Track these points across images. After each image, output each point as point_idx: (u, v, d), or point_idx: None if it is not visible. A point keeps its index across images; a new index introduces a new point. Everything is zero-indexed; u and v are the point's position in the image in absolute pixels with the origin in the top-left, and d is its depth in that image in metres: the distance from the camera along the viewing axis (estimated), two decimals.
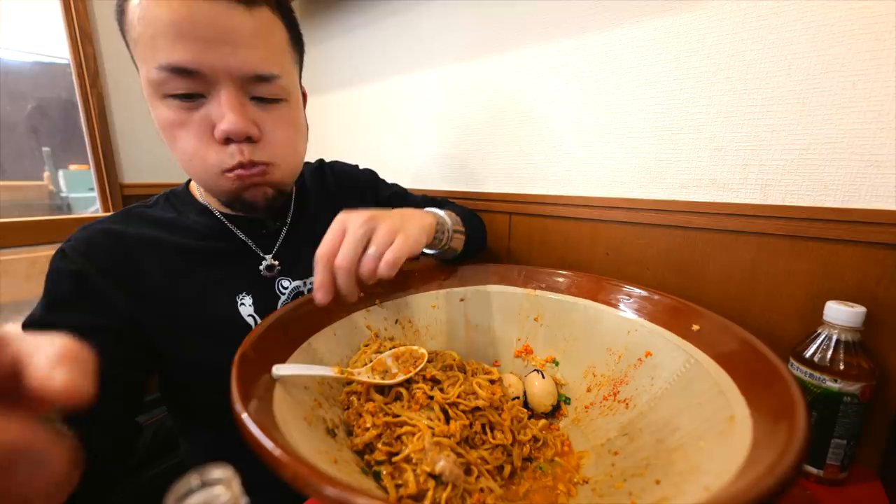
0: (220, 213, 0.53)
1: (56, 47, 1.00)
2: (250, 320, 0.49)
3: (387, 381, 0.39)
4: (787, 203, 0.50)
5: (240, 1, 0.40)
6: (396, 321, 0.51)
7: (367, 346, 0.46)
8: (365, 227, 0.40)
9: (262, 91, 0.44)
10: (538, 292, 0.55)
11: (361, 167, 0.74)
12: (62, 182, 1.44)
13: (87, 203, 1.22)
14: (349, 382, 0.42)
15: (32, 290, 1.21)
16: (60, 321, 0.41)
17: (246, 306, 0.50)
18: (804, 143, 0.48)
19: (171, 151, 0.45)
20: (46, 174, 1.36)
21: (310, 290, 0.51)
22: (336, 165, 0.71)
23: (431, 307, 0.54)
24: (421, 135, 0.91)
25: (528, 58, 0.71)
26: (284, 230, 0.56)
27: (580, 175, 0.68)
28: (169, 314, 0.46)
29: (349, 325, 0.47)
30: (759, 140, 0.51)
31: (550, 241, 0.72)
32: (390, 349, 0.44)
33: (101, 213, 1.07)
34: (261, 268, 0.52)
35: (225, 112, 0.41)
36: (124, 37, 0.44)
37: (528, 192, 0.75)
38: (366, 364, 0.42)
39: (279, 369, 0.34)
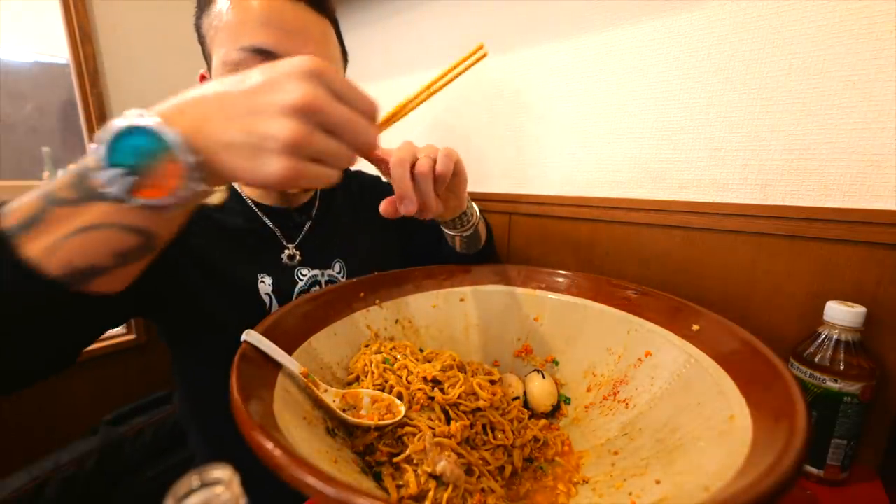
0: (252, 201, 0.56)
1: (56, 47, 1.00)
2: (266, 298, 0.52)
3: (346, 416, 0.36)
4: (787, 203, 0.50)
5: (315, 7, 0.48)
6: (396, 321, 0.51)
7: (367, 346, 0.46)
8: (429, 147, 0.43)
9: None
10: (538, 292, 0.55)
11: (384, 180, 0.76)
12: None
13: None
14: (349, 383, 0.42)
15: None
16: None
17: (265, 285, 0.52)
18: (804, 143, 0.48)
19: None
20: (46, 174, 1.36)
21: (328, 282, 0.56)
22: (362, 175, 0.74)
23: (431, 307, 0.54)
24: (421, 135, 0.91)
25: (529, 58, 0.71)
26: (308, 224, 0.59)
27: (580, 175, 0.68)
28: (203, 271, 0.48)
29: (349, 325, 0.47)
30: (759, 140, 0.51)
31: (550, 241, 0.72)
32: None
33: None
34: (283, 256, 0.55)
35: None
36: (200, 27, 0.49)
37: (528, 193, 0.75)
38: (348, 383, 0.42)
39: (250, 335, 0.34)
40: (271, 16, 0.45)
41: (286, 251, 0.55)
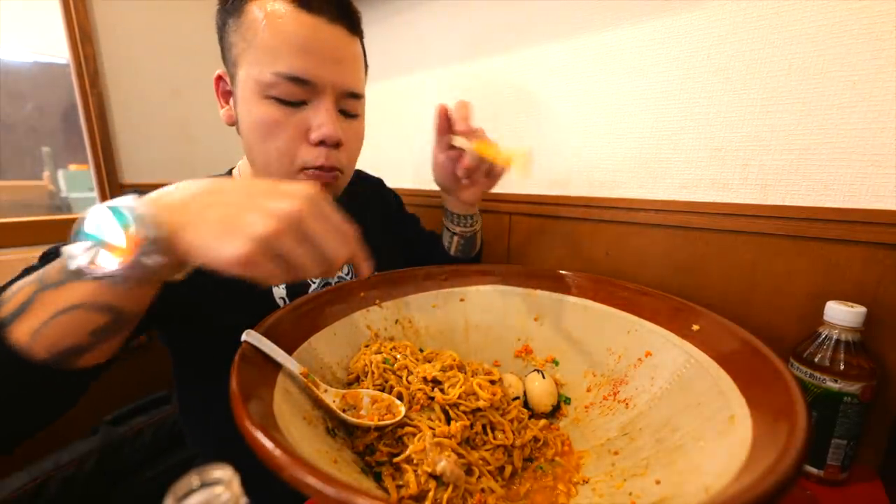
0: None
1: (56, 47, 1.00)
2: (280, 301, 0.52)
3: (346, 416, 0.36)
4: (787, 203, 0.50)
5: (349, 30, 0.48)
6: (396, 321, 0.51)
7: (367, 346, 0.46)
8: None
9: (349, 106, 0.50)
10: (538, 292, 0.54)
11: (385, 182, 0.78)
12: (62, 182, 1.44)
13: (87, 203, 1.22)
14: (349, 383, 0.42)
15: None
16: None
17: (280, 288, 0.53)
18: (804, 143, 0.48)
19: (254, 147, 0.48)
20: (46, 174, 1.36)
21: (337, 282, 0.57)
22: (363, 175, 0.75)
23: (431, 307, 0.54)
24: (421, 135, 0.91)
25: (529, 58, 0.71)
26: None
27: (580, 175, 0.68)
28: (214, 277, 0.48)
29: (349, 325, 0.47)
30: (759, 140, 0.51)
31: (550, 241, 0.72)
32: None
33: None
34: None
35: (325, 120, 0.47)
36: (225, 29, 0.48)
37: (528, 192, 0.75)
38: (348, 383, 0.42)
39: (250, 335, 0.34)
40: (308, 43, 0.44)
41: None
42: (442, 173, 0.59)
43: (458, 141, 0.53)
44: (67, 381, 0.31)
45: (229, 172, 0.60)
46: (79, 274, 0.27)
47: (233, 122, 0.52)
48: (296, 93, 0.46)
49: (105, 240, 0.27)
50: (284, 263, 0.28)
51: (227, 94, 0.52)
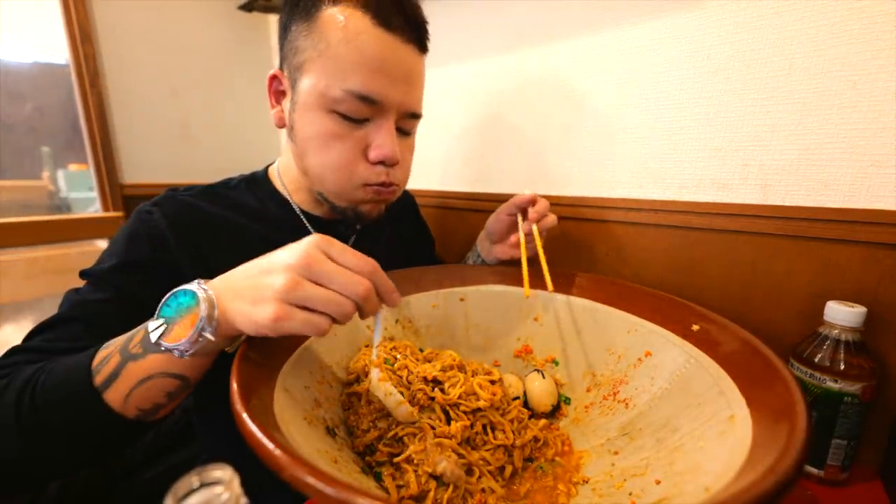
0: (301, 209, 0.56)
1: (56, 47, 1.00)
2: None
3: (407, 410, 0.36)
4: (787, 203, 0.50)
5: (420, 49, 0.49)
6: (396, 321, 0.51)
7: (367, 346, 0.46)
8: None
9: (408, 125, 0.52)
10: (538, 292, 0.54)
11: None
12: (62, 182, 1.43)
13: (87, 203, 1.22)
14: (349, 383, 0.42)
15: (32, 291, 1.21)
16: (128, 284, 0.45)
17: None
18: (804, 143, 0.48)
19: (310, 157, 0.49)
20: (45, 174, 1.36)
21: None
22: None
23: (431, 307, 0.54)
24: (420, 135, 0.91)
25: (528, 58, 0.71)
26: (353, 237, 0.61)
27: (580, 175, 0.68)
28: None
29: (349, 325, 0.46)
30: (759, 140, 0.51)
31: (550, 240, 0.72)
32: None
33: (101, 214, 1.07)
34: None
35: (387, 141, 0.48)
36: (290, 30, 0.48)
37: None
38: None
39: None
40: (383, 64, 0.45)
41: None
42: (494, 220, 0.60)
43: (523, 226, 0.56)
44: (141, 429, 0.37)
45: (265, 172, 0.59)
46: (156, 347, 0.32)
47: (283, 125, 0.52)
48: (361, 110, 0.46)
49: (174, 317, 0.32)
50: (313, 311, 0.31)
51: (279, 95, 0.52)
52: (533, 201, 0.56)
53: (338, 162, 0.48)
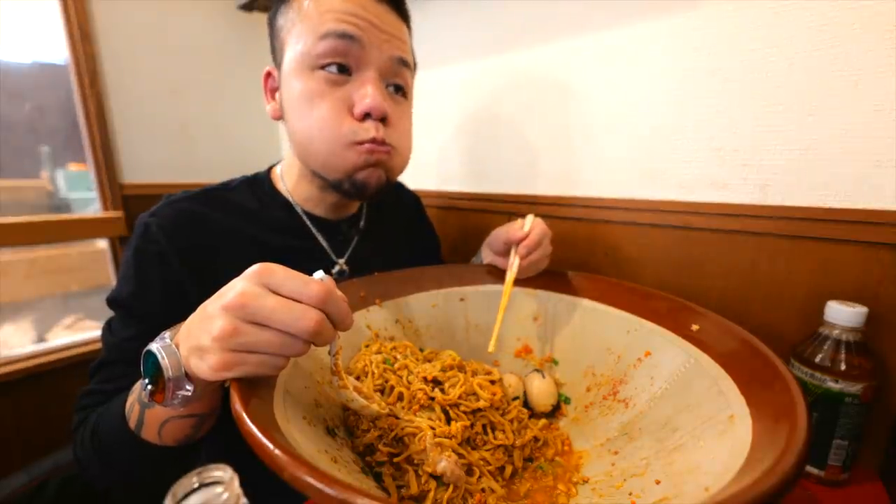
0: (304, 210, 0.56)
1: (55, 47, 1.00)
2: None
3: (365, 403, 0.35)
4: (787, 203, 0.50)
5: (395, 8, 0.49)
6: (396, 321, 0.51)
7: (367, 346, 0.46)
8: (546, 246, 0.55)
9: (399, 77, 0.50)
10: (538, 292, 0.54)
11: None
12: (61, 182, 1.43)
13: (87, 203, 1.22)
14: None
15: (32, 290, 1.21)
16: (149, 308, 0.46)
17: None
18: (804, 143, 0.48)
19: (295, 123, 0.49)
20: (44, 174, 1.36)
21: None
22: (405, 188, 0.76)
23: (431, 307, 0.54)
24: (419, 135, 0.91)
25: (528, 58, 0.71)
26: (357, 238, 0.60)
27: (580, 175, 0.68)
28: None
29: None
30: (759, 140, 0.51)
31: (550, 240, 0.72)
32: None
33: (100, 214, 1.07)
34: (333, 271, 0.56)
35: (370, 91, 0.46)
36: (275, 22, 0.49)
37: (528, 193, 0.75)
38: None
39: None
40: (354, 9, 0.45)
41: (336, 266, 0.57)
42: (494, 238, 0.58)
43: (511, 250, 0.53)
44: (194, 445, 0.41)
45: (268, 172, 0.59)
46: (150, 404, 0.35)
47: (279, 116, 0.52)
48: (343, 57, 0.46)
49: (151, 380, 0.31)
50: (258, 349, 0.28)
51: (273, 91, 0.52)
52: (522, 238, 0.51)
53: (322, 120, 0.46)
